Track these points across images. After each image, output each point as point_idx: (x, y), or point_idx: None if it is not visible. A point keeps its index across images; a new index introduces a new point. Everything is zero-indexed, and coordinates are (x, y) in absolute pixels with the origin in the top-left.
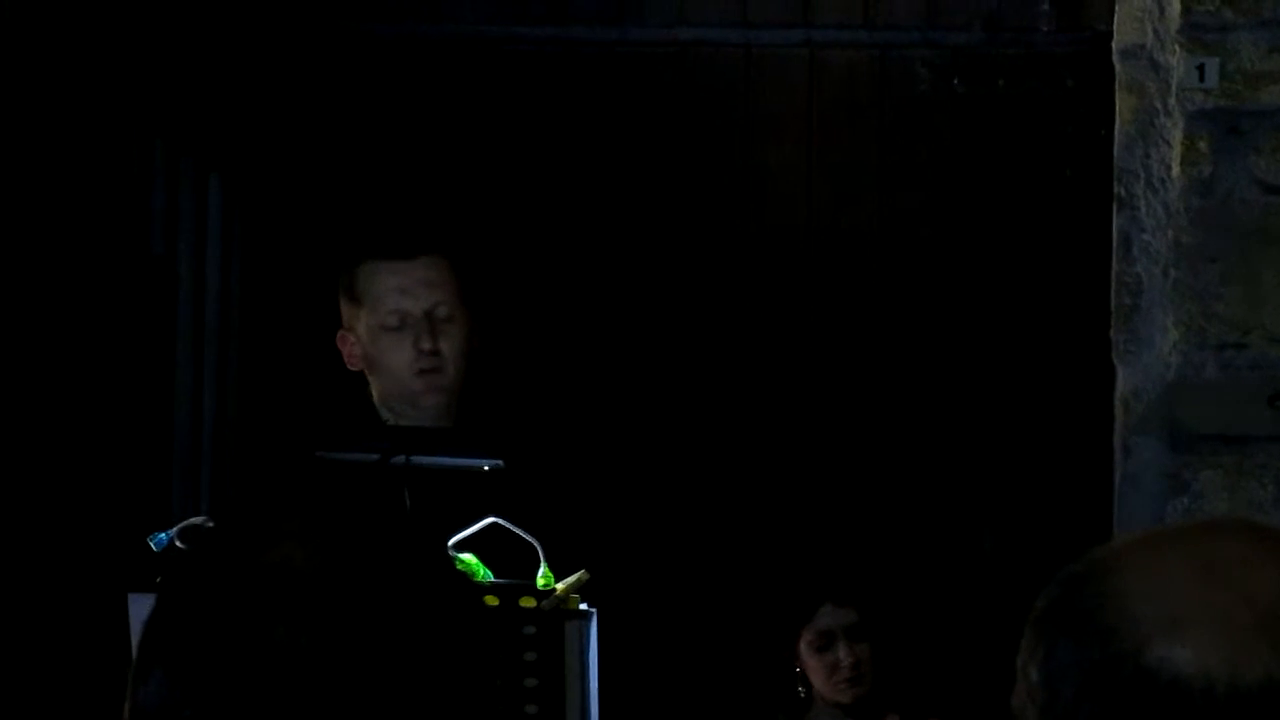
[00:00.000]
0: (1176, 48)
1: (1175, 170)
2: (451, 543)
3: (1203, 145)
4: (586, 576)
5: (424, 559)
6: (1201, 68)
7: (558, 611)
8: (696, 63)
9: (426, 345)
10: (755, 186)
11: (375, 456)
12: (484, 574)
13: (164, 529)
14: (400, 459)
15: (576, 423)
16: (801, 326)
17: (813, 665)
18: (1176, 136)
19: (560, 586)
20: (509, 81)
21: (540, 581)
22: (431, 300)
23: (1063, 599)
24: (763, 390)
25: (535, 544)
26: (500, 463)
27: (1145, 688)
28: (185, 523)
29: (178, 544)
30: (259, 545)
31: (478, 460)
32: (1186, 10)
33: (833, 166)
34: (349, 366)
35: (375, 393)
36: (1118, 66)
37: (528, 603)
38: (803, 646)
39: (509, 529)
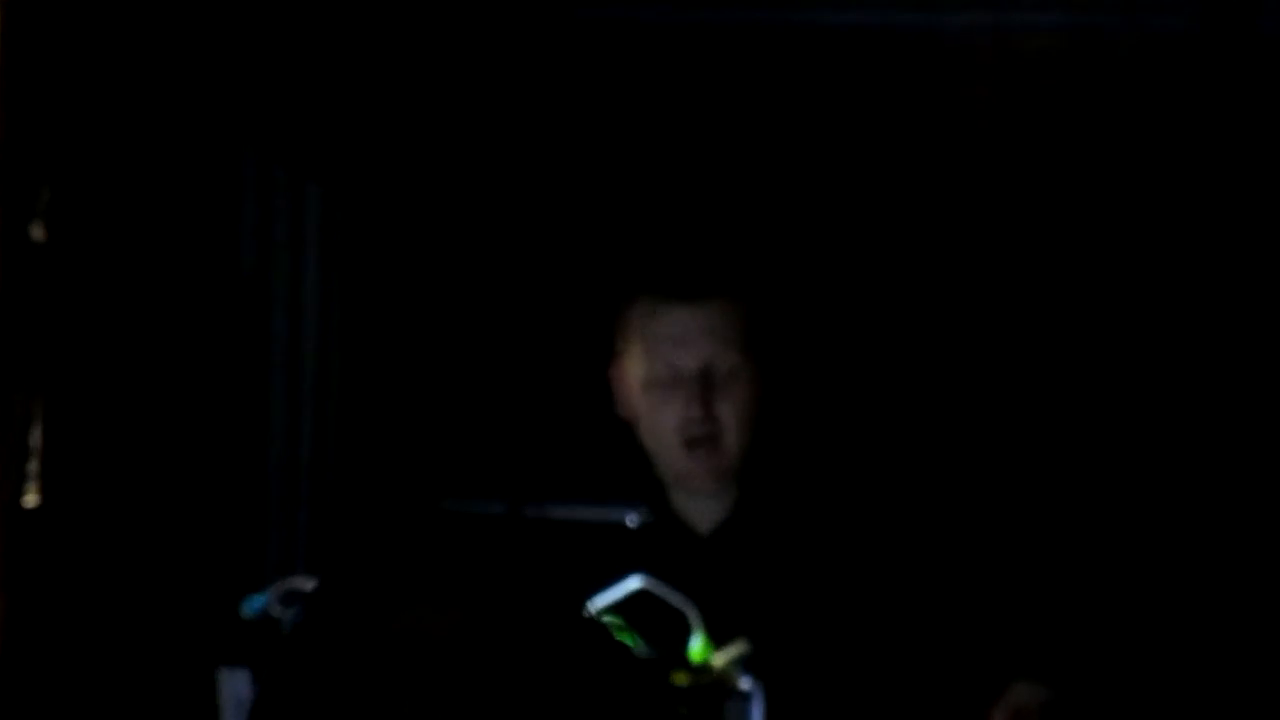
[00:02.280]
0: None
1: None
2: (592, 607)
3: None
4: (749, 649)
5: (570, 625)
6: None
7: (715, 688)
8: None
9: (695, 411)
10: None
11: (500, 507)
12: (630, 643)
13: (258, 589)
14: (532, 510)
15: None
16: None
17: None
18: None
19: (718, 660)
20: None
21: (695, 654)
22: (710, 353)
23: None
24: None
25: (689, 609)
26: (648, 517)
27: None
28: (283, 583)
29: (275, 610)
30: (383, 610)
31: (621, 511)
32: None
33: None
34: (618, 411)
35: (648, 452)
36: None
37: (680, 679)
38: None
39: (658, 592)
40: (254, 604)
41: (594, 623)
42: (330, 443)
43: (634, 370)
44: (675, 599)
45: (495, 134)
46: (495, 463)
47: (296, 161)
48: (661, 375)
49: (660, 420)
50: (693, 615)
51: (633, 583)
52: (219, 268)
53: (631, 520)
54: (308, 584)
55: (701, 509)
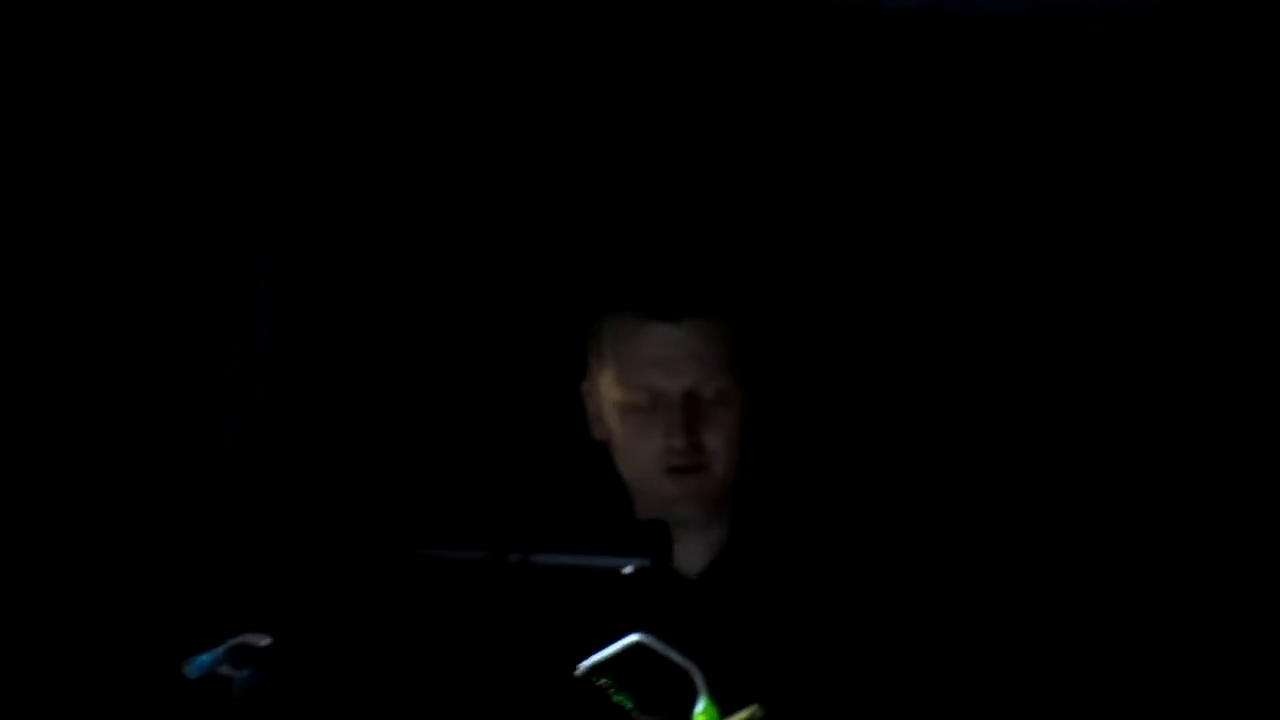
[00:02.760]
0: None
1: None
2: (584, 666)
3: None
4: (761, 713)
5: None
6: None
7: None
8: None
9: (679, 441)
10: None
11: (482, 554)
12: (627, 707)
13: (205, 646)
14: (516, 557)
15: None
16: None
17: None
18: None
19: None
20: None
21: (699, 718)
22: (695, 376)
23: None
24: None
25: (693, 671)
26: (647, 562)
27: None
28: (234, 640)
29: (224, 669)
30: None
31: (616, 560)
32: None
33: None
34: (591, 433)
35: (623, 476)
36: None
37: None
38: None
39: (657, 650)
40: (200, 663)
41: (586, 684)
42: (284, 481)
43: (609, 392)
44: (677, 657)
45: (462, 137)
46: (476, 506)
47: (249, 172)
48: (640, 400)
49: (639, 448)
50: (697, 675)
51: (629, 638)
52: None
53: (629, 569)
54: (261, 640)
55: (688, 548)
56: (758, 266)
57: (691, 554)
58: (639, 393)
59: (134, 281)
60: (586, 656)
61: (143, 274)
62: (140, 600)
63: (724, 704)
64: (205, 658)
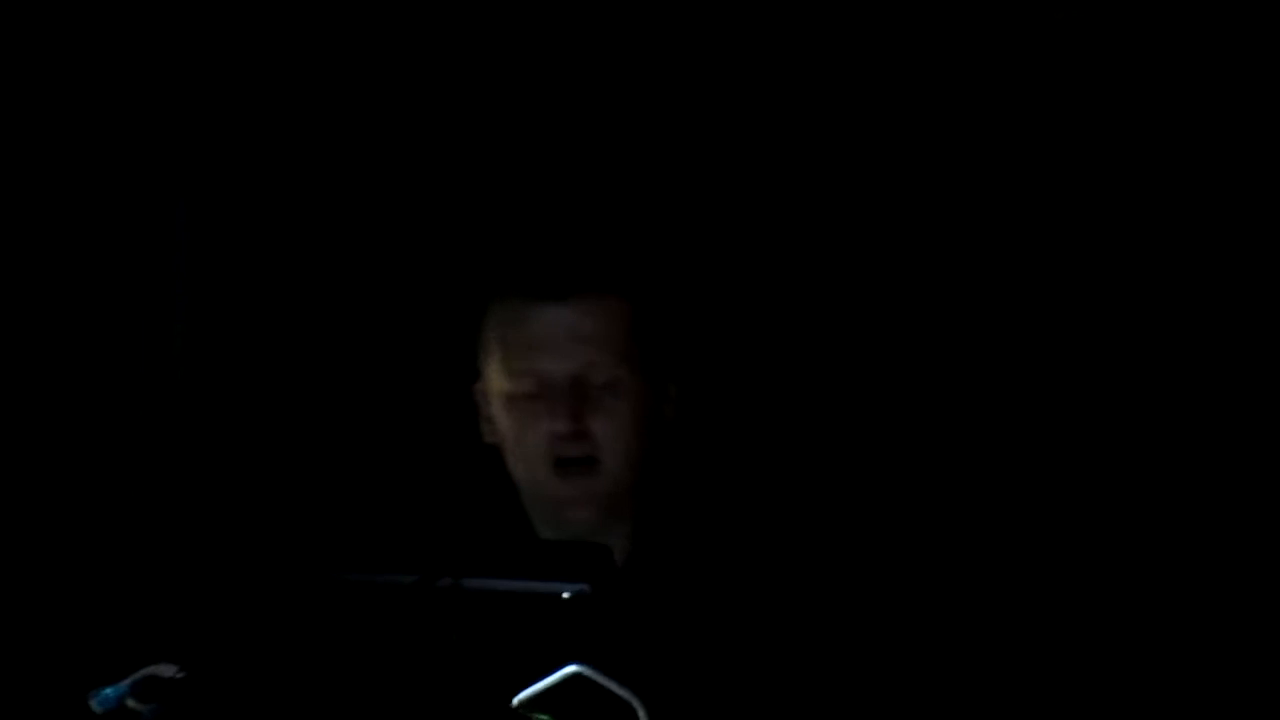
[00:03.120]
0: None
1: None
2: (518, 700)
3: None
4: None
5: None
6: None
7: None
8: None
9: (563, 425)
10: None
11: (410, 578)
12: None
13: (109, 678)
14: (445, 582)
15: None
16: None
17: None
18: None
19: None
20: None
21: None
22: (583, 360)
23: None
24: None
25: (635, 703)
26: (585, 588)
27: None
28: (142, 673)
29: (131, 704)
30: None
31: (554, 585)
32: None
33: None
34: (483, 437)
35: (517, 483)
36: None
37: None
38: None
39: (598, 681)
40: (105, 696)
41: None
42: (195, 497)
43: (496, 383)
44: (618, 690)
45: (368, 135)
46: (401, 526)
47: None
48: (525, 386)
49: (525, 438)
50: (639, 709)
51: (567, 669)
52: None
53: (567, 594)
54: (169, 671)
55: None
56: (657, 246)
57: None
58: (525, 379)
59: (48, 286)
60: (522, 688)
61: (58, 278)
62: (40, 628)
63: None
64: (111, 691)
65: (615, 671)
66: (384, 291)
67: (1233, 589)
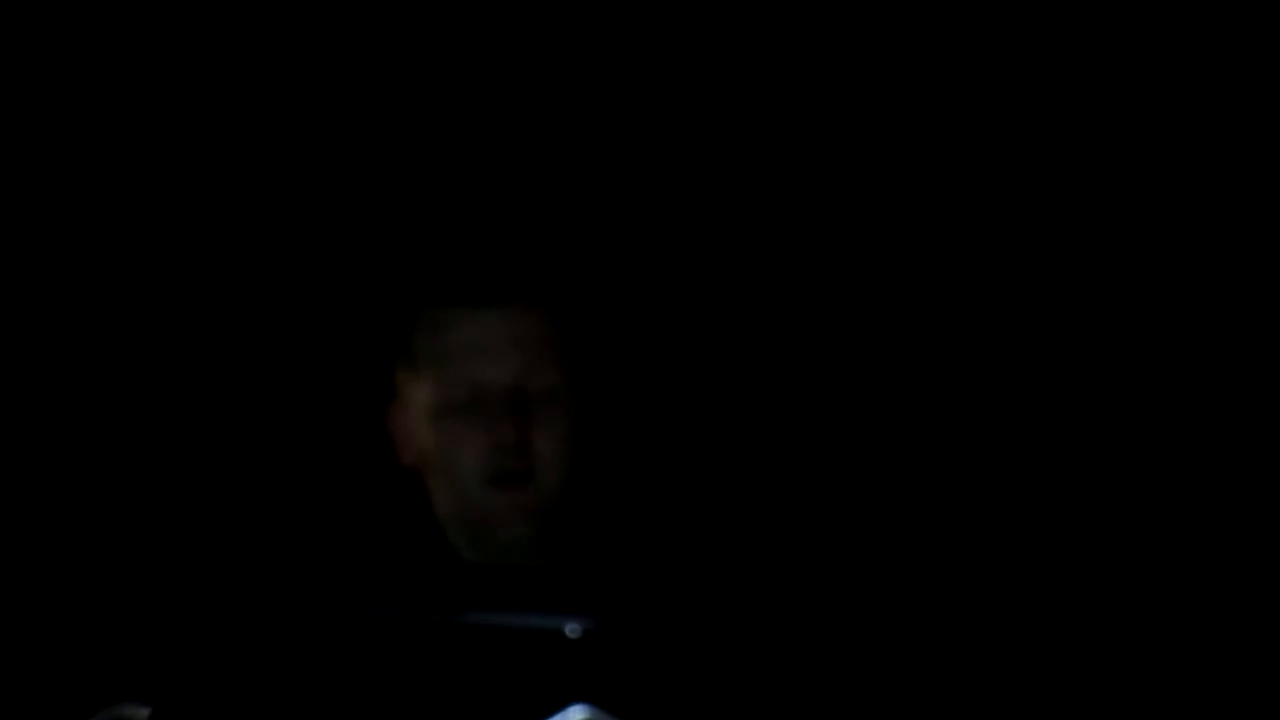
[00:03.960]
0: None
1: None
2: None
3: None
4: None
5: None
6: None
7: None
8: None
9: (507, 437)
10: None
11: (387, 613)
12: None
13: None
14: (437, 617)
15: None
16: None
17: None
18: None
19: None
20: None
21: None
22: (521, 367)
23: None
24: None
25: None
26: (592, 624)
27: None
28: (107, 713)
29: None
30: None
31: (555, 620)
32: None
33: None
34: (400, 459)
35: (438, 507)
36: None
37: None
38: None
39: None
40: None
41: None
42: (163, 526)
43: (420, 396)
44: None
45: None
46: (388, 556)
47: None
48: (459, 396)
49: (458, 453)
50: None
51: (574, 714)
52: None
53: (572, 630)
54: (140, 713)
55: None
56: (592, 252)
57: None
58: (460, 388)
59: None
60: None
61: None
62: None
63: None
64: None
65: (617, 709)
66: (291, 300)
67: (1233, 589)
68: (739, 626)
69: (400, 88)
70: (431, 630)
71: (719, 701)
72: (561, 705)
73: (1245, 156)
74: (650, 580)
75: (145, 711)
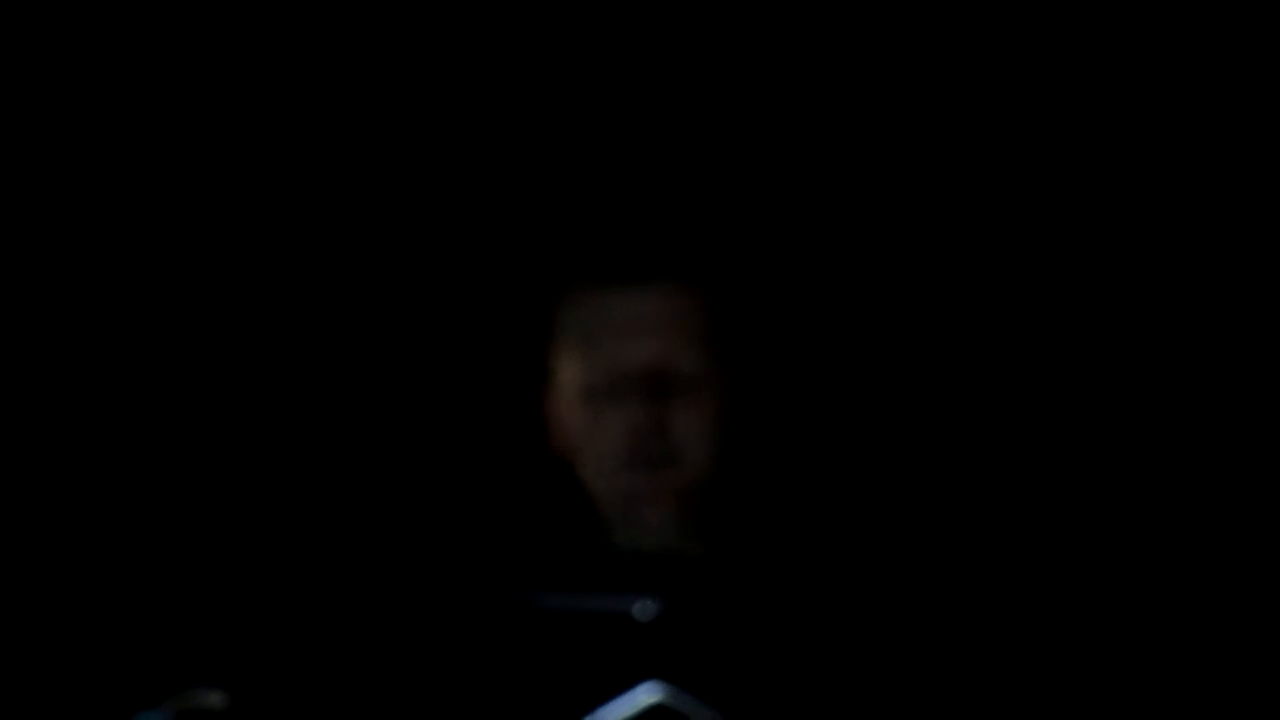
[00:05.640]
0: None
1: None
2: None
3: None
4: None
5: None
6: None
7: None
8: None
9: (646, 421)
10: None
11: (474, 594)
12: None
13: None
14: (510, 597)
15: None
16: None
17: None
18: None
19: None
20: None
21: None
22: (663, 348)
23: None
24: None
25: None
26: (656, 604)
27: None
28: (185, 699)
29: None
30: None
31: (622, 601)
32: None
33: None
34: (550, 444)
35: (588, 490)
36: None
37: None
38: None
39: (677, 707)
40: None
41: None
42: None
43: (570, 381)
44: (700, 713)
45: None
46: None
47: None
48: (600, 379)
49: (599, 436)
50: None
51: (644, 693)
52: None
53: (641, 610)
54: (216, 699)
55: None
56: (737, 233)
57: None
58: (599, 371)
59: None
60: (585, 711)
61: None
62: (71, 644)
63: None
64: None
65: (693, 689)
66: (442, 294)
67: (1233, 589)
68: (810, 610)
69: (541, 64)
70: (506, 611)
71: (786, 681)
72: (632, 685)
73: (1245, 156)
74: (730, 563)
75: (221, 697)
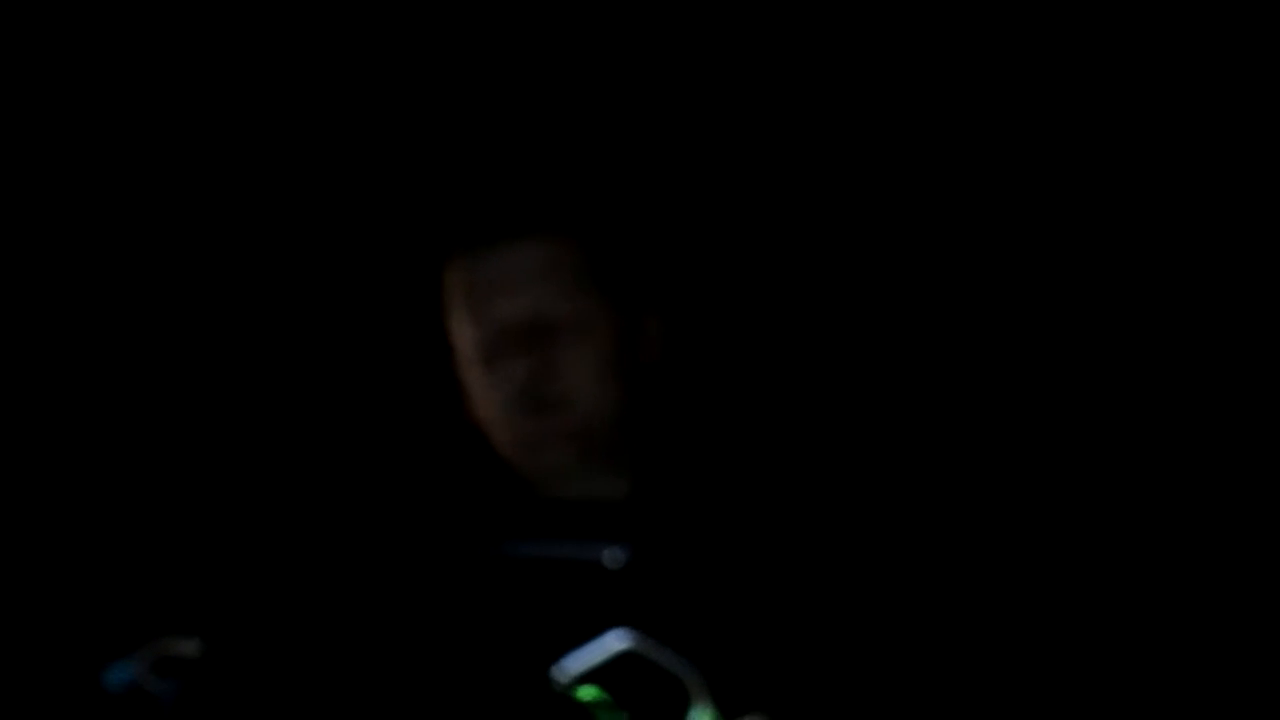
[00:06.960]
0: None
1: None
2: (568, 677)
3: None
4: None
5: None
6: None
7: None
8: None
9: (526, 367)
10: None
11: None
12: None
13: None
14: (479, 547)
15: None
16: None
17: None
18: None
19: None
20: None
21: None
22: (539, 297)
23: None
24: None
25: (688, 675)
26: (624, 552)
27: None
28: (155, 646)
29: (148, 682)
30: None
31: (588, 548)
32: None
33: None
34: (469, 415)
35: (498, 449)
36: None
37: None
38: None
39: (646, 654)
40: (119, 674)
41: (568, 701)
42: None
43: (463, 344)
44: (669, 661)
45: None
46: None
47: None
48: (486, 337)
49: (494, 386)
50: (694, 683)
51: (613, 642)
52: None
53: (611, 558)
54: (188, 646)
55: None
56: (618, 180)
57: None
58: (487, 325)
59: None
60: (553, 659)
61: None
62: (46, 597)
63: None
64: (124, 668)
65: (658, 636)
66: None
67: (1233, 589)
68: (776, 554)
69: (416, 29)
70: (472, 560)
71: (754, 628)
72: (600, 633)
73: (1245, 157)
74: (689, 510)
75: (194, 645)
